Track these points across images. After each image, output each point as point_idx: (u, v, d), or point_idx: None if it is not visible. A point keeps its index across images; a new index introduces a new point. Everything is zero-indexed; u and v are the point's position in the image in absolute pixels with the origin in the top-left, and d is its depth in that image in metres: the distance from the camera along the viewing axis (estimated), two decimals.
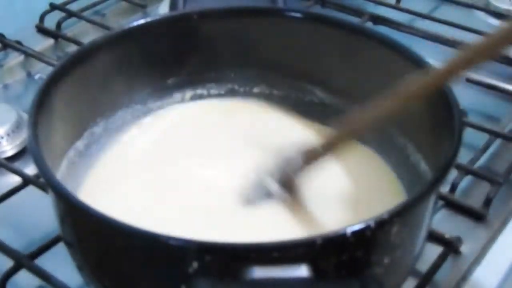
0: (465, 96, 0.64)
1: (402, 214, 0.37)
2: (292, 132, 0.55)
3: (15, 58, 0.76)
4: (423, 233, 0.41)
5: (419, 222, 0.39)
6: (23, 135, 0.64)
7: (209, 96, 0.57)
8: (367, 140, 0.53)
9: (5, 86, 0.74)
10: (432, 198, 0.40)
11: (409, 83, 0.42)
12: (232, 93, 0.57)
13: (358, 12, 0.80)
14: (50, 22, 0.80)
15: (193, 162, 0.52)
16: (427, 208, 0.40)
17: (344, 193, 0.49)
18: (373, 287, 0.36)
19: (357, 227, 0.35)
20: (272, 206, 0.47)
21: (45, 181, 0.40)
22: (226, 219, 0.46)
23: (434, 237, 0.51)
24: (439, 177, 0.39)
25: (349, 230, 0.35)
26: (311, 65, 0.54)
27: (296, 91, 0.56)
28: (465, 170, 0.57)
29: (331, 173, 0.50)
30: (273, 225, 0.46)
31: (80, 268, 0.42)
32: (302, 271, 0.34)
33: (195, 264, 0.34)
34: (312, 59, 0.54)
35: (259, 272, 0.33)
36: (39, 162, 0.40)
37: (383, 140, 0.52)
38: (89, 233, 0.40)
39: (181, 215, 0.46)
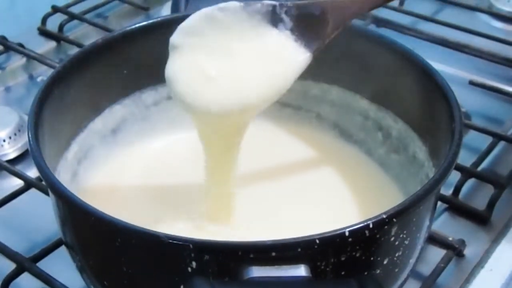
0: (468, 98, 0.65)
1: (401, 215, 0.36)
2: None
3: (17, 61, 0.76)
4: (423, 234, 0.41)
5: (418, 223, 0.39)
6: (25, 138, 0.63)
7: None
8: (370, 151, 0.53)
9: (7, 89, 0.74)
10: (432, 199, 0.40)
11: None
12: None
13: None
14: (52, 24, 0.80)
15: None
16: (426, 210, 0.40)
17: (345, 196, 0.50)
18: None
19: (355, 227, 0.35)
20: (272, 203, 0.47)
21: (44, 180, 0.40)
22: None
23: (437, 240, 0.51)
24: (438, 178, 0.39)
25: (348, 230, 0.35)
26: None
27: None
28: (468, 173, 0.57)
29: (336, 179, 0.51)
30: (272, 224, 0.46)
31: (81, 269, 0.42)
32: (300, 270, 0.34)
33: (193, 264, 0.34)
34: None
35: (258, 272, 0.33)
36: (39, 162, 0.40)
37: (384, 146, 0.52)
38: (89, 233, 0.39)
39: (185, 222, 0.46)
